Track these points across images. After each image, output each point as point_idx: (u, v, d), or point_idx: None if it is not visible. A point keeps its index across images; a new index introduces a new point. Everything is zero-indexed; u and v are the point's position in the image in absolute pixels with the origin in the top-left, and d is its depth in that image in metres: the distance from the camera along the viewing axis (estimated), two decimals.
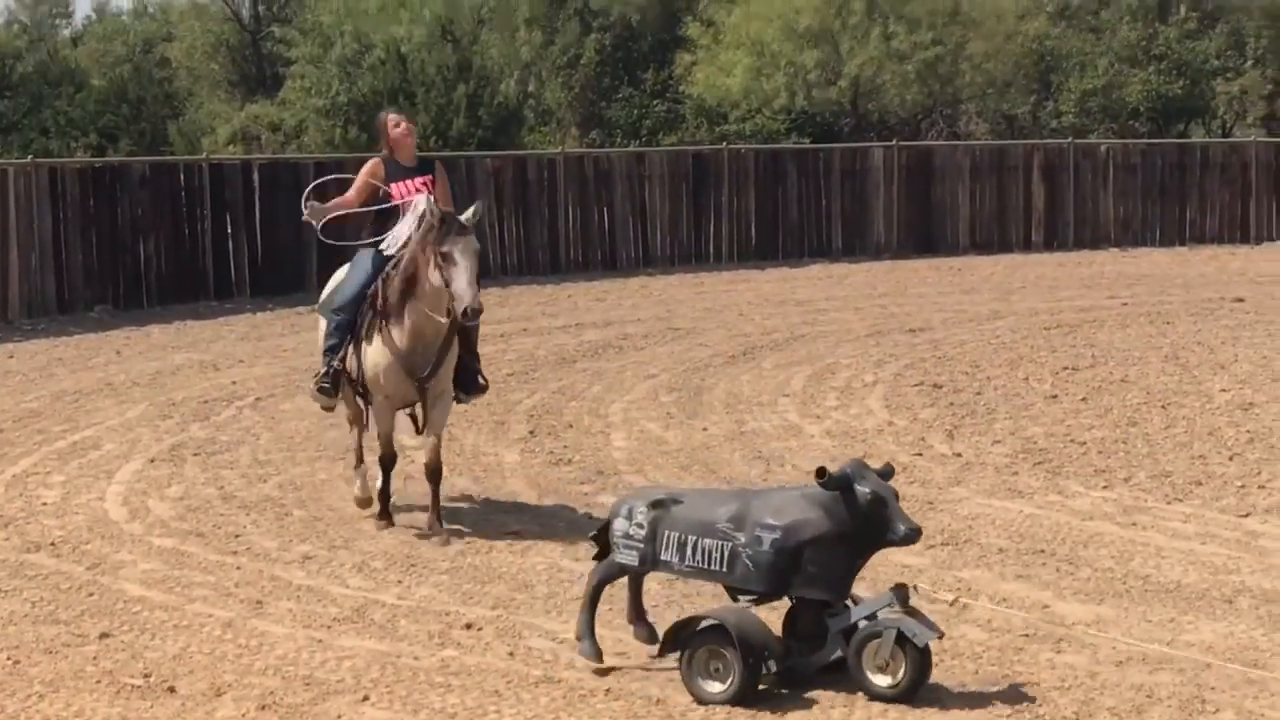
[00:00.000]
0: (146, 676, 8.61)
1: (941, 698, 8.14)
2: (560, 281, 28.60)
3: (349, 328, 11.46)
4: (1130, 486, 12.82)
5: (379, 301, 11.20)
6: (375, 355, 11.18)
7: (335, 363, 11.50)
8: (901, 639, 7.79)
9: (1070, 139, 38.40)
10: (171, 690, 8.41)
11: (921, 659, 7.86)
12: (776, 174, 32.44)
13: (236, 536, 11.52)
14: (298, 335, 21.75)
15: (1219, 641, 9.03)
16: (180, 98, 53.63)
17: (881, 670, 7.85)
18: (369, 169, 11.86)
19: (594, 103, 47.52)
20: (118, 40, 63.99)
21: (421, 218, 10.99)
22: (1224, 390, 16.98)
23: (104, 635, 9.32)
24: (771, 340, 20.90)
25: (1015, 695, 8.17)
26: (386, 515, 11.59)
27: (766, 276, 28.72)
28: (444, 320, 10.92)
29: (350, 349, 11.48)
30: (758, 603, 8.29)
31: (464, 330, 11.34)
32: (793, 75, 41.21)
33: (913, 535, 8.02)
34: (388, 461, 11.59)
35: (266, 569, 10.69)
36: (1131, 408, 16.08)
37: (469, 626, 9.44)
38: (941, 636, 8.10)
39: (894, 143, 34.94)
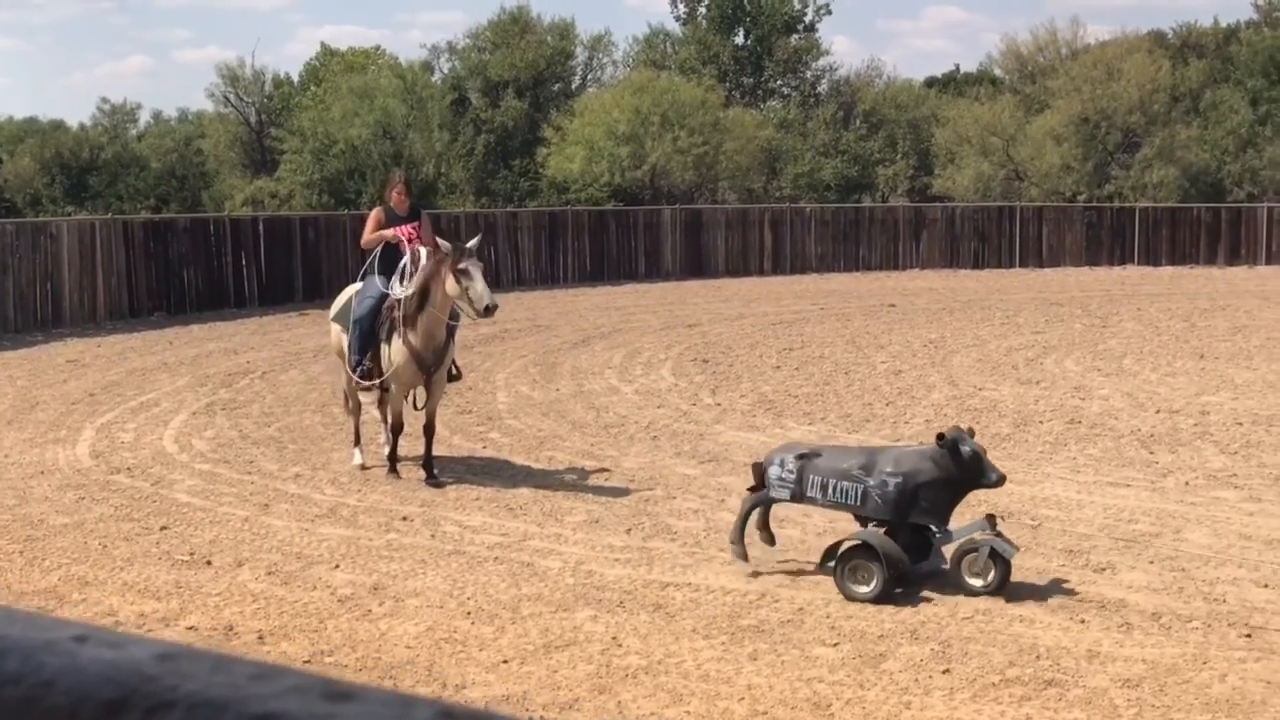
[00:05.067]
0: (192, 554, 8.46)
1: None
2: None
3: (370, 335, 10.53)
4: (826, 423, 13.02)
5: (396, 313, 10.27)
6: (395, 354, 10.27)
7: (366, 362, 10.61)
8: (994, 553, 7.35)
9: (788, 204, 38.83)
10: (209, 563, 8.27)
11: (1006, 567, 7.39)
12: (602, 226, 32.42)
13: (250, 463, 11.33)
14: (289, 331, 21.44)
15: None
16: (210, 175, 52.54)
17: (977, 575, 7.39)
18: (375, 215, 10.92)
19: (484, 179, 47.22)
20: (168, 137, 62.40)
21: (430, 256, 10.16)
22: (883, 362, 17.28)
23: (163, 528, 9.14)
24: (600, 332, 20.92)
25: (758, 557, 8.24)
26: (395, 469, 10.63)
27: (597, 292, 28.76)
28: (449, 321, 10.24)
29: (372, 350, 10.61)
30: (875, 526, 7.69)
31: (449, 337, 10.52)
32: (612, 162, 41.23)
33: (1001, 480, 7.62)
34: (399, 429, 10.60)
35: (270, 483, 10.53)
36: (826, 373, 16.32)
37: (405, 519, 9.37)
38: (1019, 552, 7.62)
39: (677, 206, 35.09)
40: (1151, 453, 11.39)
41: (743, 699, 5.94)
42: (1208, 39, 51.43)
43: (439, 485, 10.29)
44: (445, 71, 51.53)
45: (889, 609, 7.19)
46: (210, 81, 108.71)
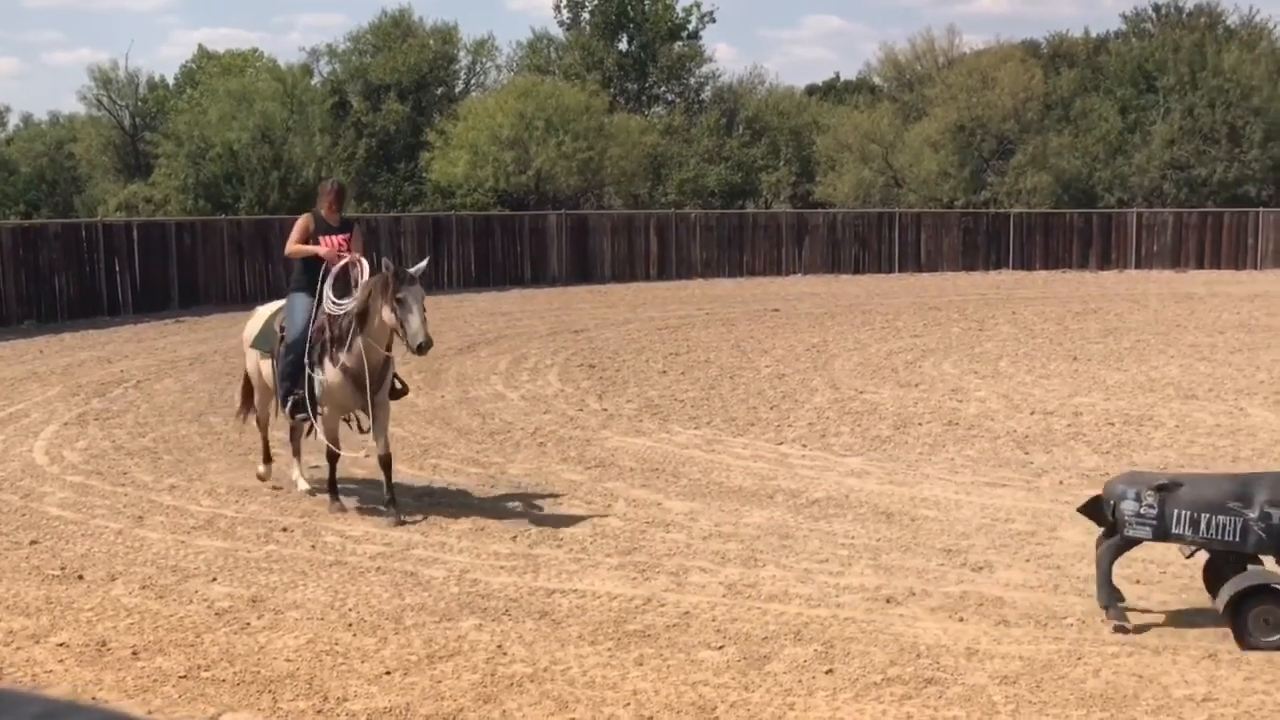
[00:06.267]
0: (63, 569, 8.22)
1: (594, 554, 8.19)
2: None
3: (300, 363, 9.72)
4: (710, 427, 13.08)
5: (328, 334, 9.53)
6: (329, 375, 9.48)
7: (299, 391, 9.81)
8: None
9: (673, 210, 39.02)
10: (80, 577, 8.03)
11: None
12: (488, 231, 32.24)
13: (124, 474, 11.03)
14: (165, 339, 20.98)
15: (764, 522, 9.27)
16: (82, 180, 51.16)
17: None
18: (302, 222, 10.11)
19: (366, 184, 46.66)
20: (38, 140, 60.51)
21: (374, 272, 9.40)
22: (767, 366, 17.44)
23: (33, 542, 8.86)
24: (485, 338, 20.79)
25: (644, 562, 8.26)
26: (337, 499, 9.82)
27: (482, 298, 28.57)
28: (385, 352, 9.42)
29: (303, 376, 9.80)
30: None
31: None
32: (497, 167, 40.99)
33: None
34: (335, 457, 9.82)
35: (145, 495, 10.26)
36: (711, 378, 16.41)
37: (285, 529, 9.20)
38: None
39: (562, 211, 35.01)
40: (1027, 453, 11.65)
41: (628, 704, 5.94)
42: (1079, 49, 52.88)
43: (402, 523, 9.31)
44: (325, 74, 50.87)
45: (773, 610, 7.24)
46: (82, 84, 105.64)
